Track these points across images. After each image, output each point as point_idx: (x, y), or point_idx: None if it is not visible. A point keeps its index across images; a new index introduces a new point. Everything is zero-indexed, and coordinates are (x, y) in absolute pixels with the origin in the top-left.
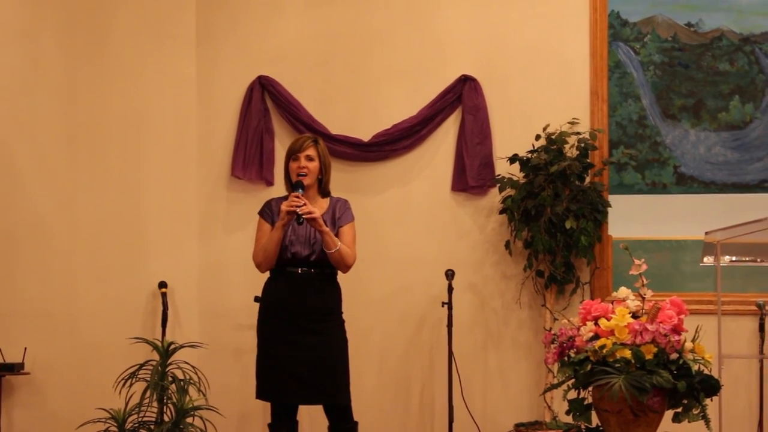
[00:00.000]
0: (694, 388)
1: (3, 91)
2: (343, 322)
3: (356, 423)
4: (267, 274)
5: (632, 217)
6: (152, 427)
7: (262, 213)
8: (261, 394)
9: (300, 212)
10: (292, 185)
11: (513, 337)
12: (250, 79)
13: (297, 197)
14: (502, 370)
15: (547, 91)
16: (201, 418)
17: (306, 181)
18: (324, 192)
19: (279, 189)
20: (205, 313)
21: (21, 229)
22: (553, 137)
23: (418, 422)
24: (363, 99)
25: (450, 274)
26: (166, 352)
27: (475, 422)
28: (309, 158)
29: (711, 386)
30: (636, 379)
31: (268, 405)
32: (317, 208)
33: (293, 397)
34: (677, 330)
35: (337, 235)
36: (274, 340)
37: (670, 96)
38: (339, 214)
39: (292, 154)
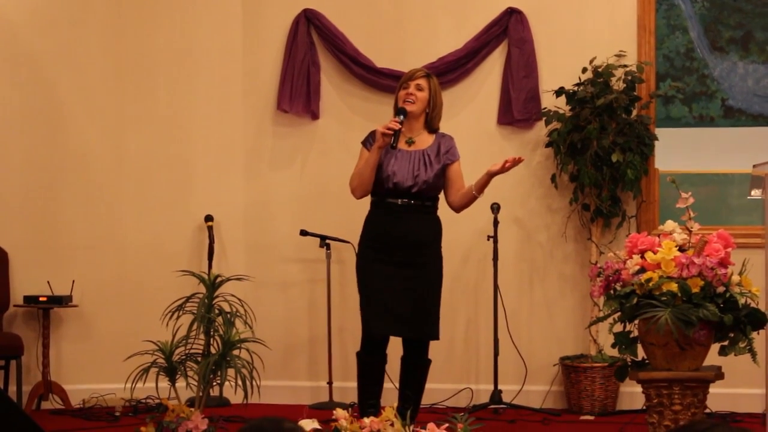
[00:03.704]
0: (741, 322)
1: (50, 26)
2: (441, 256)
3: (430, 361)
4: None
5: (679, 151)
6: (199, 359)
7: (365, 142)
8: (369, 328)
9: (397, 127)
10: (396, 111)
11: (559, 271)
12: (296, 13)
13: (395, 122)
14: (547, 303)
15: (593, 23)
16: (248, 350)
17: (411, 108)
18: (431, 128)
19: (325, 122)
20: (251, 246)
21: (68, 164)
22: (600, 70)
23: (462, 356)
24: (408, 32)
25: (495, 208)
26: (212, 284)
27: (520, 355)
28: (419, 87)
29: (758, 319)
30: (682, 313)
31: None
32: (421, 141)
33: (390, 329)
34: (724, 263)
35: (445, 172)
36: (373, 273)
37: (718, 28)
38: (445, 149)
39: (402, 83)
